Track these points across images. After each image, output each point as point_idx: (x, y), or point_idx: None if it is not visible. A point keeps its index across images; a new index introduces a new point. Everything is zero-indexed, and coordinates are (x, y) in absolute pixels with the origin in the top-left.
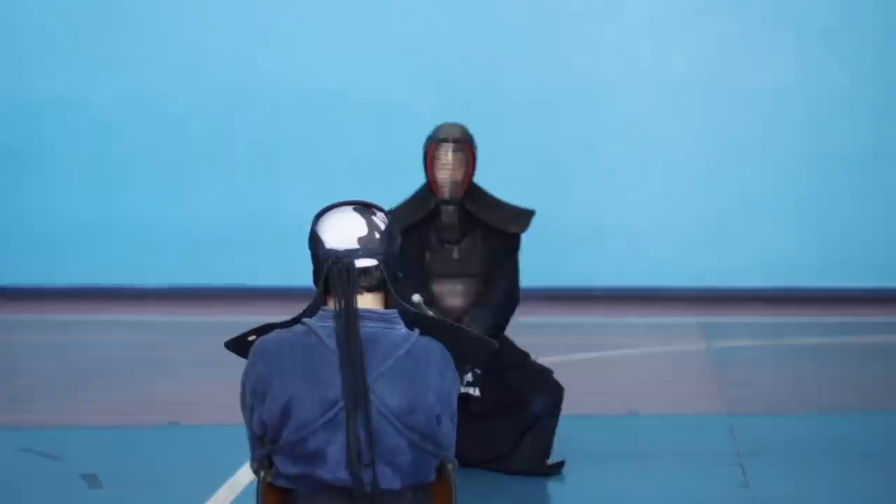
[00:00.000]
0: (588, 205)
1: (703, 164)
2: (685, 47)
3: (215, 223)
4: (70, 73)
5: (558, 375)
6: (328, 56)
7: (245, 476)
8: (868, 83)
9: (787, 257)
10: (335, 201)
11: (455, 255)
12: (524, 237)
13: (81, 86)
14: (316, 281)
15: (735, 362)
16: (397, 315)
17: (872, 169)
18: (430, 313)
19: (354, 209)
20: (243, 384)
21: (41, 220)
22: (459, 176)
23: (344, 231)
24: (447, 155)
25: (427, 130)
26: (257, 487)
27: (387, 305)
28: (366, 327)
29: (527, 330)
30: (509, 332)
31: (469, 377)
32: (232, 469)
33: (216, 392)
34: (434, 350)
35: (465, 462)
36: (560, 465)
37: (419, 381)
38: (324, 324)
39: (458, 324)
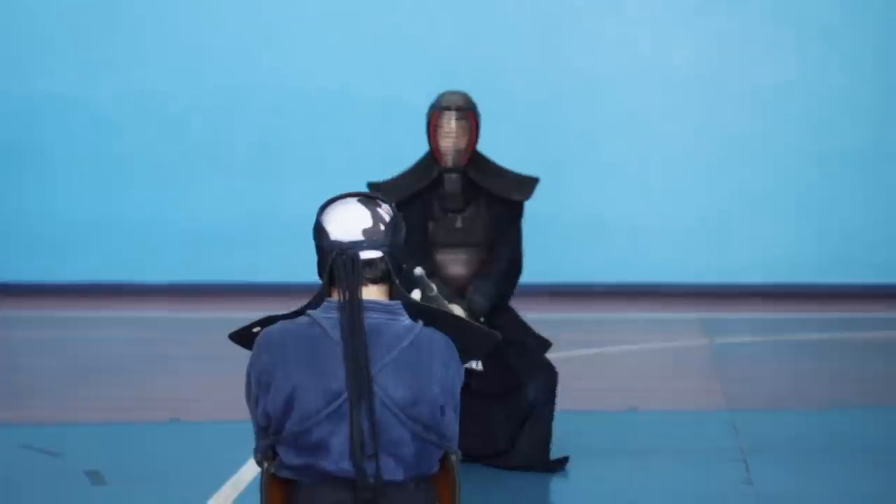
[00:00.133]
0: (589, 201)
1: (703, 160)
2: (686, 44)
3: (216, 220)
4: (70, 71)
5: (560, 371)
6: (329, 54)
7: (249, 473)
8: (868, 81)
9: (787, 254)
10: (339, 193)
11: (458, 224)
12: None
13: (82, 84)
14: (320, 272)
15: (736, 358)
16: (401, 306)
17: (872, 166)
18: (433, 286)
19: (359, 201)
20: (248, 375)
21: (42, 217)
22: (463, 144)
23: (348, 223)
24: (450, 123)
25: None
26: (261, 479)
27: (391, 297)
28: (370, 318)
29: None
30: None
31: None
32: (235, 466)
33: (217, 389)
34: (438, 341)
35: (464, 455)
36: (564, 461)
37: (423, 372)
38: (328, 315)
39: (461, 316)
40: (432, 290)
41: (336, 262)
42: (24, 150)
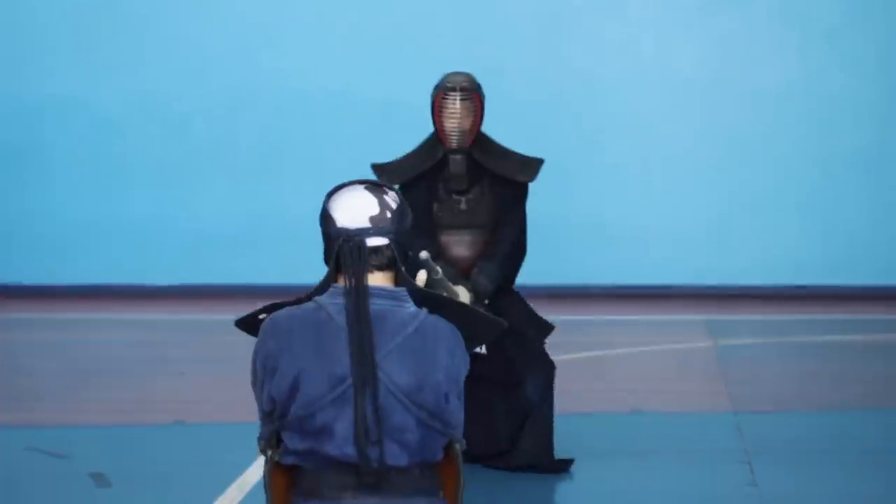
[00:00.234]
0: (592, 203)
1: (707, 162)
2: (689, 45)
3: (218, 222)
4: (73, 72)
5: (563, 374)
6: (332, 55)
7: (254, 475)
8: (871, 83)
9: (791, 255)
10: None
11: (463, 205)
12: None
13: (84, 85)
14: (327, 259)
15: (739, 360)
16: (406, 293)
17: (875, 168)
18: (438, 269)
19: (366, 188)
20: (254, 361)
21: (44, 219)
22: (467, 125)
23: (355, 210)
24: (455, 103)
25: (430, 129)
26: (265, 466)
27: (396, 284)
28: (375, 304)
29: None
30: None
31: None
32: (240, 468)
33: (220, 390)
34: (443, 329)
35: (467, 455)
36: (569, 462)
37: (428, 358)
38: (334, 301)
39: (466, 302)
40: (437, 273)
41: (342, 248)
42: (27, 151)
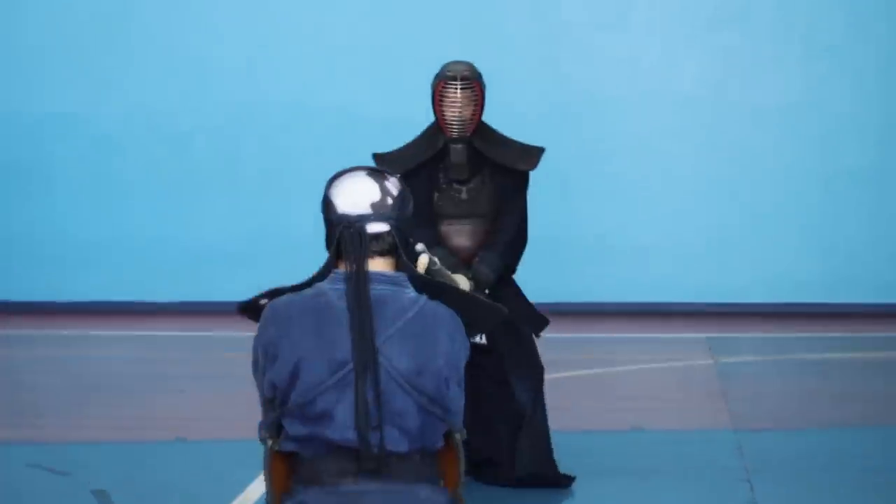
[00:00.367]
0: (593, 219)
1: (708, 179)
2: (691, 62)
3: (220, 239)
4: (74, 89)
5: (564, 391)
6: (333, 72)
7: (256, 492)
8: (874, 99)
9: (791, 273)
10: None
11: (464, 195)
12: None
13: (86, 102)
14: (328, 245)
15: (740, 377)
16: (406, 278)
17: (878, 185)
18: (436, 260)
19: (367, 174)
20: (255, 348)
21: (45, 235)
22: (468, 113)
23: (356, 196)
24: (456, 92)
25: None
26: (265, 456)
27: (397, 270)
28: (375, 289)
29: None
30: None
31: None
32: (242, 485)
33: (222, 407)
34: (444, 314)
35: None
36: (570, 478)
37: (428, 343)
38: (335, 286)
39: (465, 289)
40: (435, 263)
41: (343, 234)
42: (29, 168)
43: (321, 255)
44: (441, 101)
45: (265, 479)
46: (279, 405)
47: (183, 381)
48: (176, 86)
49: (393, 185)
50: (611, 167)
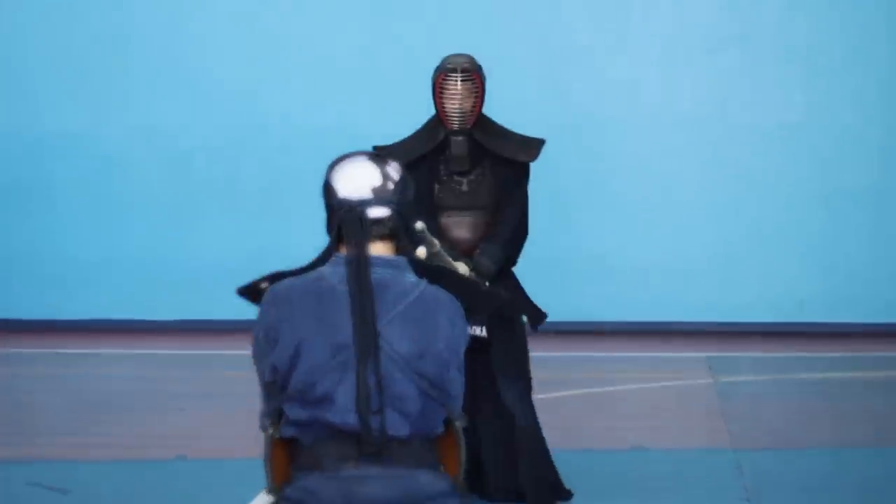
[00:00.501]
0: (594, 239)
1: (709, 198)
2: (692, 82)
3: (221, 258)
4: (77, 109)
5: (564, 410)
6: (335, 92)
7: None
8: (875, 119)
9: (792, 293)
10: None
11: (464, 187)
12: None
13: (88, 122)
14: (329, 230)
15: (740, 397)
16: (406, 262)
17: (879, 205)
18: (435, 242)
19: (368, 158)
20: (256, 333)
21: (47, 254)
22: (468, 105)
23: (357, 180)
24: (456, 84)
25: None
26: (265, 442)
27: (397, 254)
28: (376, 273)
29: (532, 365)
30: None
31: None
32: (243, 503)
33: (222, 426)
34: (444, 298)
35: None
36: (569, 495)
37: (429, 327)
38: (335, 269)
39: (465, 276)
40: (434, 246)
41: (344, 219)
42: (30, 187)
43: None
44: (441, 93)
45: (265, 468)
46: (279, 390)
47: (183, 399)
48: (176, 106)
49: (394, 169)
50: (611, 187)
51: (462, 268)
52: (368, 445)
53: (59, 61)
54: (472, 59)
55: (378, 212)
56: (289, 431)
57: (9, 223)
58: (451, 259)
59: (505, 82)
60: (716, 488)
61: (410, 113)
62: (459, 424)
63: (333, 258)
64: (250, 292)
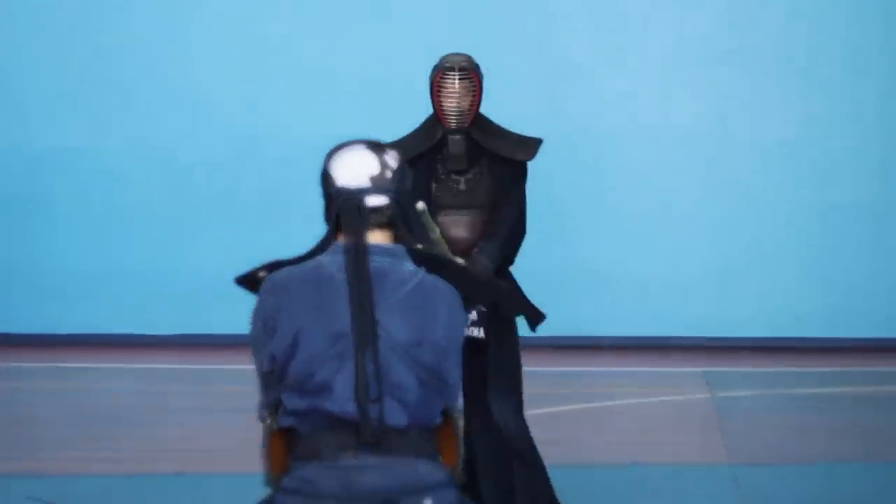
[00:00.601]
0: (592, 254)
1: (707, 214)
2: (690, 97)
3: (221, 272)
4: (76, 123)
5: (562, 425)
6: (334, 106)
7: None
8: (874, 134)
9: (789, 308)
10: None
11: (462, 185)
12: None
13: (88, 136)
14: (327, 218)
15: (737, 412)
16: (405, 251)
17: (877, 221)
18: (436, 227)
19: (366, 147)
20: (254, 323)
21: (47, 268)
22: (466, 104)
23: (355, 169)
24: (454, 83)
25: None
26: (263, 433)
27: (395, 243)
28: (374, 261)
29: (529, 379)
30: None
31: (473, 315)
32: None
33: (221, 441)
34: (443, 287)
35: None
36: None
37: (428, 315)
38: (334, 258)
39: (462, 264)
40: (435, 230)
41: (342, 207)
42: (30, 201)
43: None
44: (439, 91)
45: (263, 459)
46: (278, 380)
47: (183, 414)
48: (176, 120)
49: (392, 158)
50: (609, 202)
51: (460, 262)
52: (367, 434)
53: (58, 76)
54: (469, 58)
55: (376, 200)
56: (287, 421)
57: (8, 237)
58: (447, 248)
59: (503, 96)
60: (713, 503)
61: (409, 125)
62: (458, 416)
63: (332, 247)
64: (248, 281)
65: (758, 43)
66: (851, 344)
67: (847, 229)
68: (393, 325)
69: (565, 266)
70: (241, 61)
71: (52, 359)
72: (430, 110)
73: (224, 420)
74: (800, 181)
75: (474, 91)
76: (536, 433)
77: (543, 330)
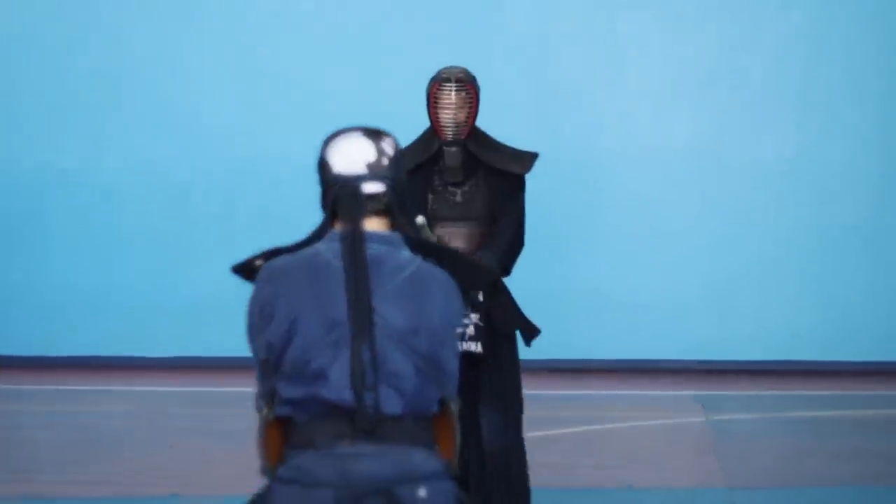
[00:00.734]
0: (588, 275)
1: (703, 235)
2: (686, 117)
3: (218, 293)
4: (74, 142)
5: (556, 448)
6: (330, 127)
7: None
8: (870, 154)
9: (786, 330)
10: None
11: (458, 198)
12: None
13: (85, 156)
14: (323, 205)
15: (732, 435)
16: (401, 238)
17: (874, 241)
18: (434, 237)
19: (363, 134)
20: (250, 310)
21: (43, 289)
22: (462, 116)
23: (352, 155)
24: (450, 95)
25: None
26: (259, 423)
27: (392, 230)
28: (371, 249)
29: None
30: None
31: (470, 330)
32: None
33: (217, 464)
34: (440, 275)
35: None
36: None
37: (425, 302)
38: (330, 245)
39: (457, 249)
40: (433, 239)
41: (339, 195)
42: (27, 221)
43: None
44: (436, 103)
45: (259, 449)
46: (273, 369)
47: (180, 436)
48: (173, 140)
49: (388, 145)
50: (605, 223)
51: None
52: (363, 422)
53: (56, 95)
54: (466, 70)
55: (373, 187)
56: (283, 410)
57: (5, 257)
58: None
59: (501, 117)
60: None
61: (405, 145)
62: (454, 406)
63: (328, 234)
64: (245, 270)
65: (754, 64)
66: (848, 367)
67: (844, 250)
68: (389, 312)
69: (563, 286)
70: (239, 82)
71: (47, 381)
72: (427, 125)
73: (220, 443)
74: (796, 201)
75: (471, 103)
76: (530, 456)
77: (539, 353)
